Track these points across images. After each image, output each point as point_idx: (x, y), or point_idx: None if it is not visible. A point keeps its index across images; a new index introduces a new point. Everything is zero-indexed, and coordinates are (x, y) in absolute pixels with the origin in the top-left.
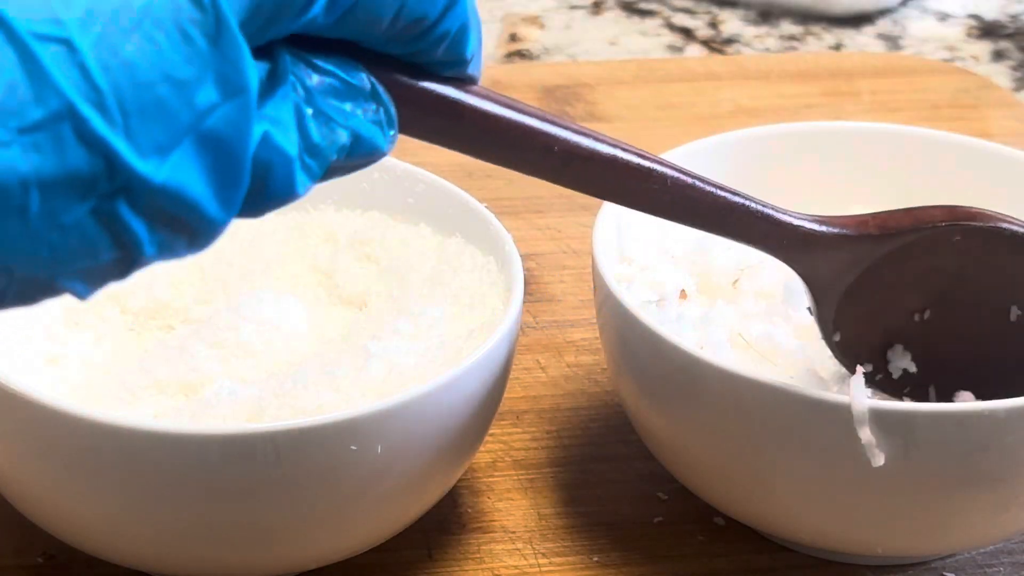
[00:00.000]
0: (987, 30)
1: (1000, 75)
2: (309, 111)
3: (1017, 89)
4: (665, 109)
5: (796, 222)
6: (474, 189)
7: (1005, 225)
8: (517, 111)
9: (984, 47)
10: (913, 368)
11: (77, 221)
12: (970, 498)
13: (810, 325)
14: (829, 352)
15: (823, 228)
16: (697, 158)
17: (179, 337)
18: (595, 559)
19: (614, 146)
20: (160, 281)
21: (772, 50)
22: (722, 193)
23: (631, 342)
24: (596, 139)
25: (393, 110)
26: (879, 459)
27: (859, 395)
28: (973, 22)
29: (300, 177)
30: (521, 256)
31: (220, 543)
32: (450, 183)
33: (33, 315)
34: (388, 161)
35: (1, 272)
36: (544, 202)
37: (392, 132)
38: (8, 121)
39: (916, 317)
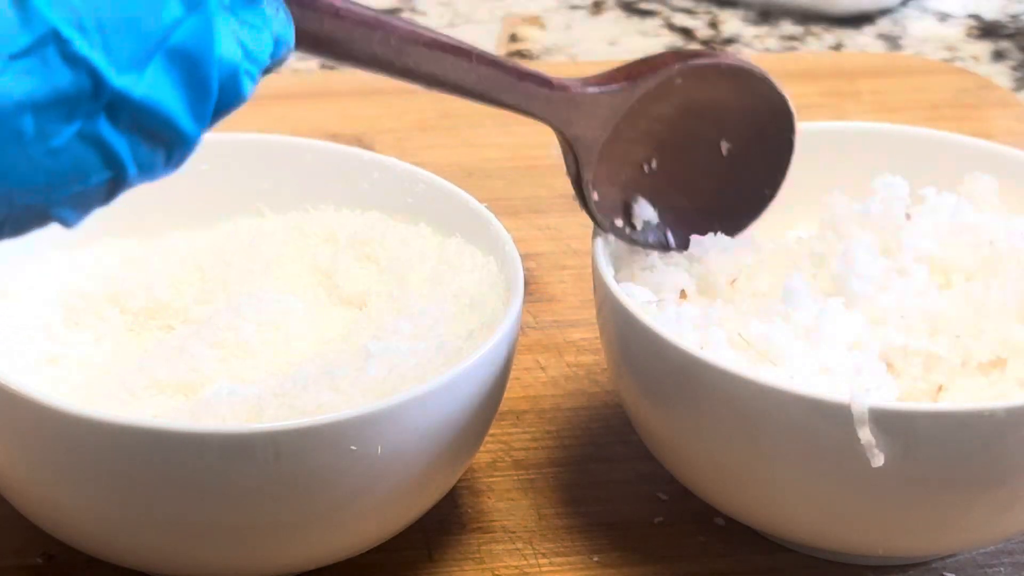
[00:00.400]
0: (987, 30)
1: (1000, 75)
2: (236, 23)
3: (1017, 89)
4: None
5: (568, 87)
6: (474, 189)
7: (725, 61)
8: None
9: (984, 47)
10: (655, 218)
11: (67, 144)
12: (970, 498)
13: (810, 325)
14: (831, 352)
15: (586, 89)
16: None
17: (179, 337)
18: (595, 559)
19: (432, 35)
20: (160, 281)
21: (772, 50)
22: (512, 67)
23: (631, 342)
24: (416, 30)
25: (287, 11)
26: (879, 459)
27: (859, 395)
28: (973, 22)
29: (245, 82)
30: (521, 256)
31: (220, 543)
32: (450, 183)
33: (33, 315)
34: (388, 161)
35: (2, 201)
36: (544, 202)
37: (292, 28)
38: (1, 50)
39: (645, 168)
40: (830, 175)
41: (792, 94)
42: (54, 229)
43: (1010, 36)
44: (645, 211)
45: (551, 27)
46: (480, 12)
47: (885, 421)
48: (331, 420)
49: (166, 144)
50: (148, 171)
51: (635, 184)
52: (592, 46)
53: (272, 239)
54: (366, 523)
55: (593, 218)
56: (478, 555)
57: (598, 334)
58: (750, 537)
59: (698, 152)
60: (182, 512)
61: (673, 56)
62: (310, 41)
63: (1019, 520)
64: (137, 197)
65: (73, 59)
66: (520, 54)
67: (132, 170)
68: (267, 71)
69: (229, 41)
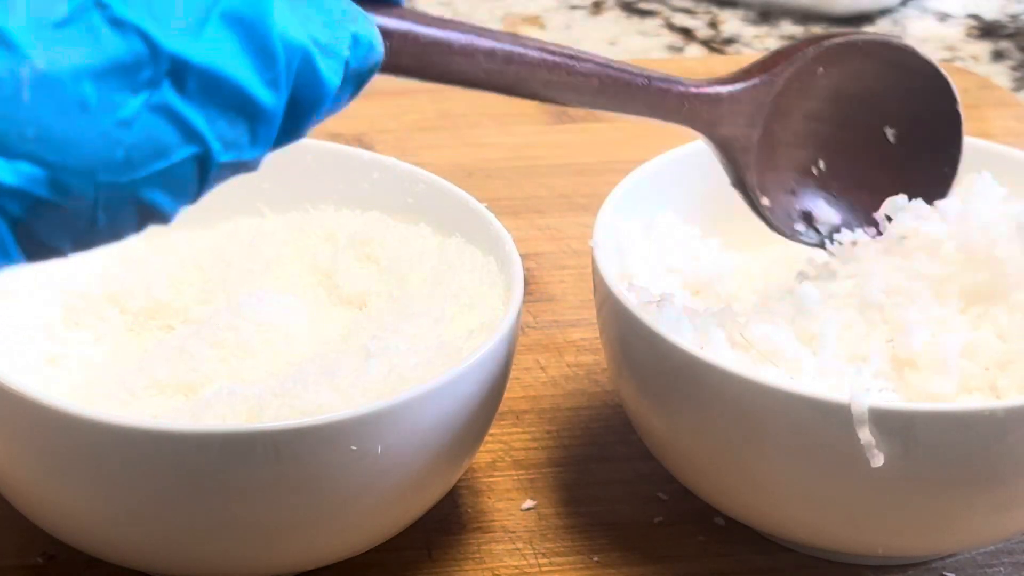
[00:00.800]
0: (987, 30)
1: (1000, 75)
2: (297, 11)
3: (1017, 89)
4: None
5: (703, 87)
6: (474, 189)
7: (861, 38)
8: (447, 28)
9: (984, 47)
10: (837, 218)
11: (137, 114)
12: (970, 498)
13: (812, 327)
14: (832, 354)
15: (723, 88)
16: (699, 157)
17: (179, 337)
18: (595, 559)
19: (539, 46)
20: (160, 281)
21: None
22: (639, 74)
23: (631, 342)
24: (522, 42)
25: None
26: (879, 459)
27: (859, 395)
28: (973, 22)
29: (324, 70)
30: (521, 256)
31: (220, 543)
32: (450, 183)
33: (33, 315)
34: (388, 161)
35: (86, 180)
36: (544, 202)
37: (375, 32)
38: (44, 20)
39: (814, 170)
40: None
41: None
42: None
43: (1010, 36)
44: (825, 213)
45: (551, 27)
46: (480, 12)
47: (885, 421)
48: (331, 420)
49: (246, 117)
50: (235, 149)
51: (809, 188)
52: (592, 46)
53: (272, 239)
54: (366, 523)
55: (767, 223)
56: (478, 555)
57: (598, 334)
58: (750, 537)
59: (864, 143)
60: (182, 512)
61: (806, 42)
62: (409, 57)
63: (1019, 520)
64: None
65: (119, 24)
66: None
67: (215, 145)
68: (361, 80)
69: (289, 19)
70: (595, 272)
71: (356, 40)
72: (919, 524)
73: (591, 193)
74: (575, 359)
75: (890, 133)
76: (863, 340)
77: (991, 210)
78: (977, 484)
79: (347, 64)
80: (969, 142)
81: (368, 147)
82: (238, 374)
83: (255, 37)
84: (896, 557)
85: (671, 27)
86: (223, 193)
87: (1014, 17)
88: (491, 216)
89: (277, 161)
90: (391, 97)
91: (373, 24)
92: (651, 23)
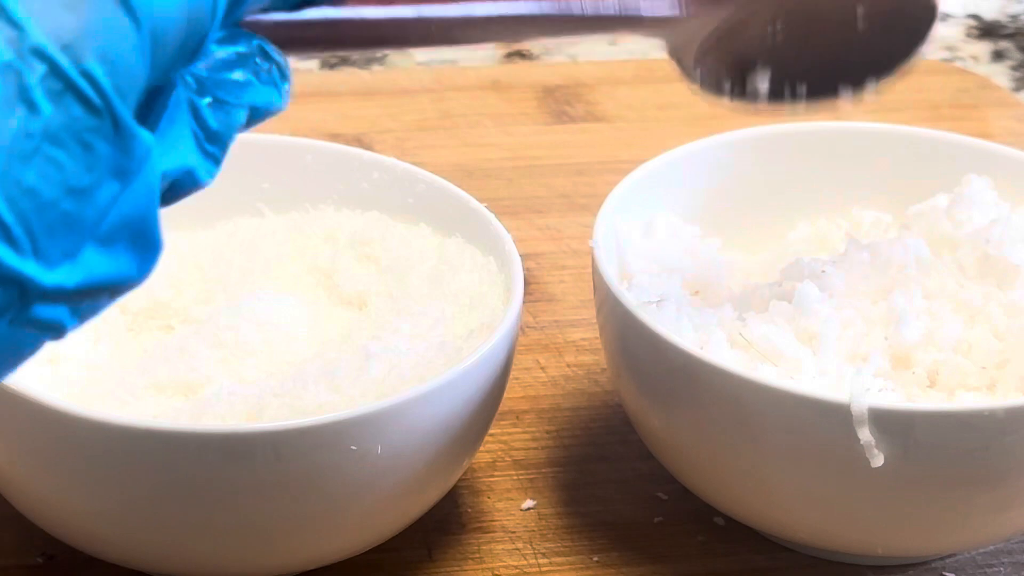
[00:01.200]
0: (987, 30)
1: (1000, 75)
2: (206, 101)
3: (1017, 89)
4: (665, 109)
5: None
6: (474, 189)
7: None
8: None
9: (984, 47)
10: (766, 85)
11: None
12: (970, 498)
13: (812, 327)
14: (832, 353)
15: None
16: (699, 157)
17: (179, 337)
18: (595, 559)
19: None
20: (160, 281)
21: None
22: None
23: (631, 342)
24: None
25: (284, 62)
26: (878, 459)
27: (859, 395)
28: (973, 22)
29: (203, 170)
30: (521, 256)
31: (220, 543)
32: (450, 183)
33: None
34: (388, 161)
35: None
36: (544, 202)
37: (286, 85)
38: None
39: (769, 29)
40: (830, 175)
41: None
42: None
43: (1010, 36)
44: (759, 78)
45: None
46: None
47: (885, 421)
48: (331, 420)
49: (110, 295)
50: (93, 317)
51: (754, 49)
52: (592, 46)
53: (272, 239)
54: (366, 523)
55: (701, 87)
56: (478, 555)
57: (597, 334)
58: (749, 537)
59: (828, 13)
60: (182, 512)
61: None
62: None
63: (1019, 520)
64: None
65: (3, 275)
66: (520, 54)
67: (72, 324)
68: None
69: (183, 152)
70: (595, 272)
71: (254, 110)
72: (919, 524)
73: (591, 193)
74: (575, 359)
75: (860, 10)
76: (863, 339)
77: (987, 212)
78: (977, 484)
79: (228, 143)
80: (969, 142)
81: (368, 147)
82: (238, 374)
83: (139, 237)
84: (896, 557)
85: None
86: (223, 193)
87: (1014, 17)
88: (491, 216)
89: (277, 161)
90: (391, 97)
91: (285, 73)
92: None
